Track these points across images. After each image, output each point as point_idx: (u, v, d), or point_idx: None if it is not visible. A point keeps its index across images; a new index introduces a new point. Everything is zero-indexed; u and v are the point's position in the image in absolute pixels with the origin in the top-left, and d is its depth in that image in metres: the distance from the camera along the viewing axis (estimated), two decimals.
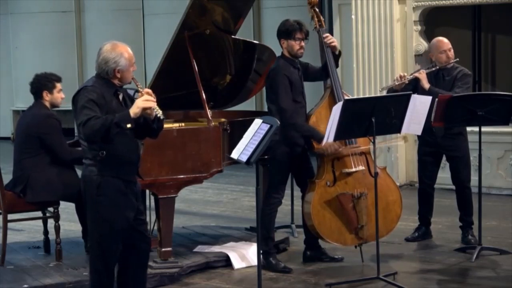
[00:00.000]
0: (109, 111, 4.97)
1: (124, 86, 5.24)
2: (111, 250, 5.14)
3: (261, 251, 6.51)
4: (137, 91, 5.20)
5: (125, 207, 5.11)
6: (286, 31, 6.57)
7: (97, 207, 5.07)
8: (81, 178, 5.20)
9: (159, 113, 5.08)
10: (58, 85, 6.74)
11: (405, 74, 7.18)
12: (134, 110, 4.92)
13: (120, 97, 5.14)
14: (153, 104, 5.00)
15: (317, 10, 6.88)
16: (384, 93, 7.16)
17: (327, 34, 6.75)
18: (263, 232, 6.51)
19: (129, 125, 4.91)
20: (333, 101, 6.56)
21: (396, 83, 7.03)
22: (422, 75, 7.08)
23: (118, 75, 5.07)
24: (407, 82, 7.05)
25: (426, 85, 7.03)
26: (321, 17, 6.89)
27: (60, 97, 6.76)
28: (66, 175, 6.57)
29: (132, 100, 5.25)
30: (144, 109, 4.95)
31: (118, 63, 5.04)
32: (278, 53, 7.36)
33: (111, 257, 5.16)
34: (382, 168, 6.78)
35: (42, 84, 6.70)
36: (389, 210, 6.63)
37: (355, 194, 6.53)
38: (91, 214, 5.15)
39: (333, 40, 6.74)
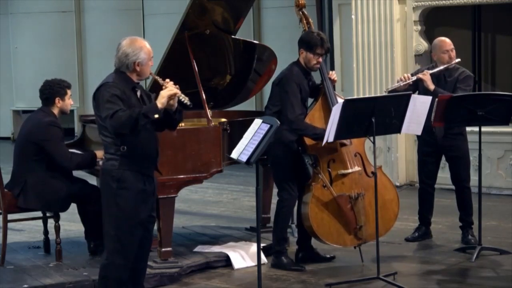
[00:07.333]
0: (130, 107, 5.04)
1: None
2: (131, 243, 5.17)
3: (274, 251, 6.54)
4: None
5: (143, 201, 5.17)
6: (308, 43, 6.49)
7: (117, 200, 5.10)
8: (100, 171, 5.28)
9: (186, 99, 5.15)
10: (69, 92, 6.70)
11: (409, 75, 7.14)
12: (160, 100, 5.02)
13: (138, 93, 5.21)
14: (178, 91, 5.09)
15: (305, 12, 6.86)
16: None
17: (332, 72, 6.73)
18: (277, 233, 6.57)
19: (156, 116, 5.01)
20: (325, 103, 6.56)
21: (402, 84, 7.00)
22: (427, 76, 7.02)
23: (138, 69, 5.15)
24: (411, 83, 7.04)
25: (431, 86, 6.98)
26: (310, 19, 6.87)
27: (70, 103, 6.72)
28: (62, 185, 6.52)
29: (149, 96, 5.32)
30: (170, 97, 5.04)
31: (138, 56, 5.13)
32: (278, 53, 7.39)
33: (131, 250, 5.18)
34: (378, 167, 6.76)
35: (55, 91, 6.62)
36: (386, 208, 6.62)
37: (352, 195, 6.53)
38: (109, 208, 5.16)
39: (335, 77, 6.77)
